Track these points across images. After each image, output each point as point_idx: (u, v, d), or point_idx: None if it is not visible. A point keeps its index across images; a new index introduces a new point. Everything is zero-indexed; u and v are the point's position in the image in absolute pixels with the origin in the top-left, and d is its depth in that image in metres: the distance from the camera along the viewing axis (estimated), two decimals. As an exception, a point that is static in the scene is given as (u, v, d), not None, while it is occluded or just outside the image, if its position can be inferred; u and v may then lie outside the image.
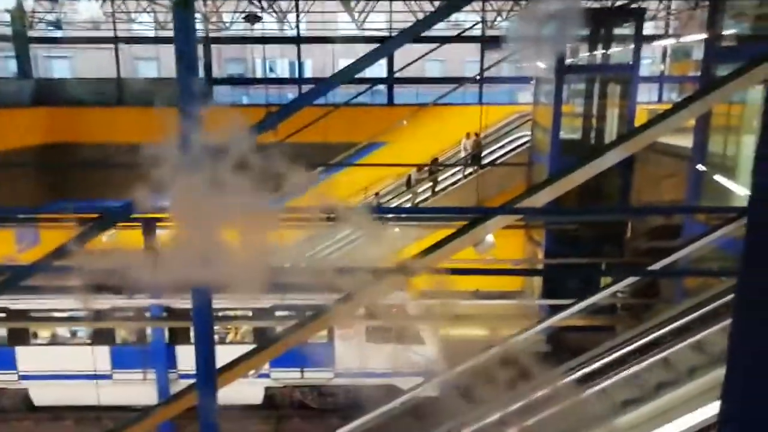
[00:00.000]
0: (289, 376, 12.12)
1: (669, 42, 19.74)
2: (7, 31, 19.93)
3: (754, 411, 1.44)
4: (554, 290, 11.13)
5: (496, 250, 11.31)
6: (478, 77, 17.24)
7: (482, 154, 17.19)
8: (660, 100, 18.73)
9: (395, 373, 11.97)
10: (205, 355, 4.69)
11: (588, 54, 15.01)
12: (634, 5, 16.83)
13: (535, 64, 16.61)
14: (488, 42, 18.08)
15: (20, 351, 12.20)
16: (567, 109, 14.24)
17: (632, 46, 13.23)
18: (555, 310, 9.19)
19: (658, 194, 12.76)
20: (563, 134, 13.57)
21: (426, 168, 17.24)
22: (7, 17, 19.96)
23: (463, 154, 17.28)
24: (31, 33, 20.38)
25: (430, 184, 17.26)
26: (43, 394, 12.46)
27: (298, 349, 11.51)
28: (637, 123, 13.10)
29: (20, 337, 12.15)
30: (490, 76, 18.64)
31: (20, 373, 12.24)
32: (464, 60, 25.41)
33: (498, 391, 8.23)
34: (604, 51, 14.48)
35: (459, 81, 18.10)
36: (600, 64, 14.53)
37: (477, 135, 17.22)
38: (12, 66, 20.53)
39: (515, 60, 20.46)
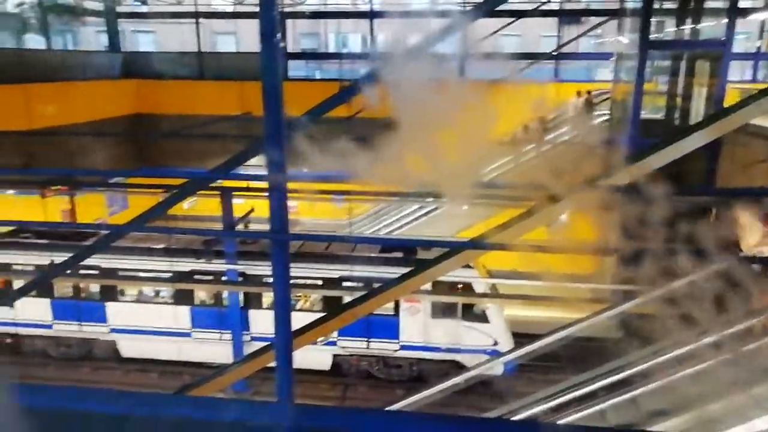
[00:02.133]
0: (356, 345, 12.52)
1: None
2: (99, 6, 21.14)
3: None
4: (629, 275, 10.79)
5: (569, 232, 11.07)
6: (553, 53, 16.62)
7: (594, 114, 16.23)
8: (754, 80, 17.41)
9: (459, 349, 12.12)
10: (284, 318, 4.90)
11: (675, 28, 14.15)
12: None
13: (617, 39, 15.84)
14: (566, 16, 17.35)
15: (110, 306, 13.26)
16: (649, 87, 13.54)
17: (725, 20, 12.34)
18: (626, 295, 8.98)
19: (747, 181, 12.00)
20: (644, 113, 12.94)
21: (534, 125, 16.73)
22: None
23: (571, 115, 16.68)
24: (120, 8, 21.52)
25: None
26: (130, 347, 13.54)
27: (365, 320, 11.87)
28: (727, 104, 12.30)
29: (110, 293, 13.20)
30: (568, 51, 17.93)
31: (110, 327, 13.33)
32: (541, 35, 24.54)
33: (560, 375, 8.21)
34: (693, 25, 13.61)
35: (533, 57, 17.56)
36: (688, 40, 13.67)
37: (589, 93, 16.31)
38: (103, 40, 21.79)
39: (595, 35, 19.57)
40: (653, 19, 13.17)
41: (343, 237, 12.27)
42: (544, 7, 17.96)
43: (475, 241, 5.75)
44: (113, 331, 13.33)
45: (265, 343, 7.34)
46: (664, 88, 14.10)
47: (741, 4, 14.33)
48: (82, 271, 12.29)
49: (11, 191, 15.80)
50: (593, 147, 15.78)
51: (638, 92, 12.78)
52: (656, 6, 13.37)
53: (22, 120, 14.33)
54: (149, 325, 13.10)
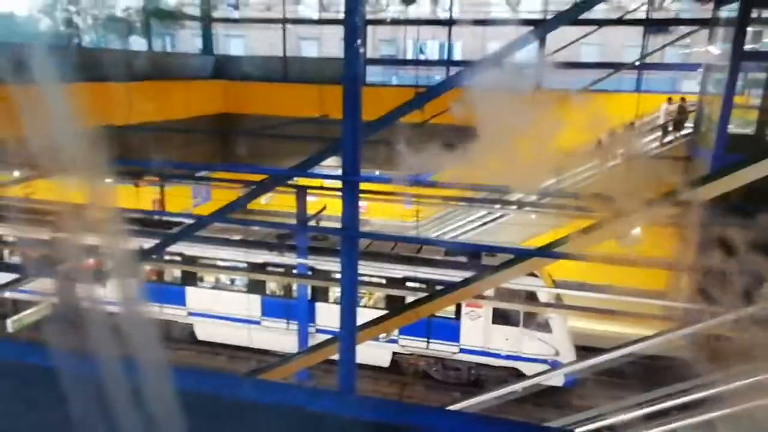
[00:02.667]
0: (416, 344, 12.69)
1: None
2: (196, 12, 22.70)
3: None
4: (704, 294, 10.31)
5: (641, 246, 10.74)
6: (636, 62, 16.07)
7: (686, 122, 15.89)
8: None
9: (519, 356, 12.01)
10: (349, 312, 5.09)
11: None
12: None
13: (706, 49, 15.09)
14: (652, 25, 16.71)
15: (189, 291, 14.18)
16: (740, 101, 12.83)
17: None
18: (701, 314, 8.60)
19: None
20: (733, 128, 12.29)
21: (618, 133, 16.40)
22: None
23: (662, 121, 16.30)
24: (215, 14, 23.00)
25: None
26: (205, 330, 14.42)
27: (427, 321, 12.04)
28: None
29: (190, 279, 14.12)
30: (652, 62, 17.27)
31: (188, 310, 14.25)
32: (624, 44, 23.72)
33: (624, 391, 8.00)
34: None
35: (614, 66, 17.05)
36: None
37: (683, 100, 15.88)
38: (198, 43, 23.35)
39: (683, 45, 18.63)
40: (748, 29, 12.48)
41: (411, 238, 12.49)
42: (630, 16, 17.43)
43: (540, 250, 5.77)
44: (191, 314, 14.23)
45: (329, 336, 7.67)
46: (756, 101, 13.29)
47: None
48: (166, 257, 13.25)
49: (108, 180, 17.22)
50: (673, 161, 15.20)
51: (727, 105, 12.18)
52: (753, 15, 12.64)
53: (122, 115, 15.64)
54: (223, 311, 13.89)
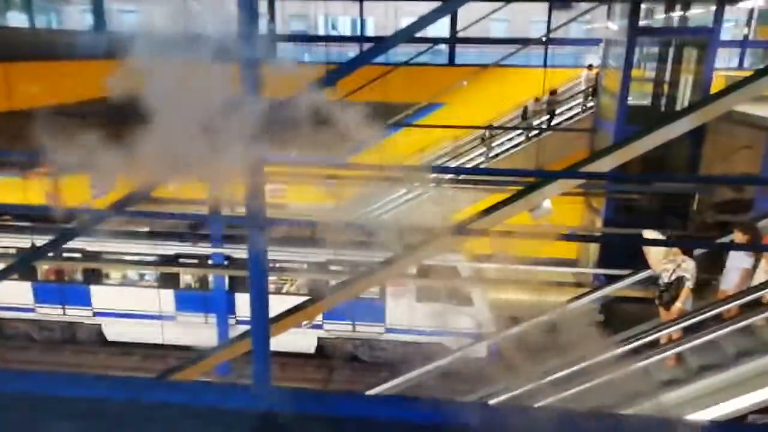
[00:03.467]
0: (341, 328, 12.58)
1: (756, 3, 18.25)
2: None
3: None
4: (611, 260, 10.92)
5: (552, 217, 11.17)
6: (543, 38, 16.59)
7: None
8: (741, 67, 17.49)
9: (444, 332, 12.21)
10: (260, 303, 4.74)
11: (664, 15, 14.15)
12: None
13: (605, 25, 15.82)
14: (556, 1, 17.28)
15: (95, 289, 13.18)
16: (637, 74, 13.58)
17: (713, 7, 12.37)
18: (611, 280, 9.07)
19: (730, 167, 12.12)
20: (631, 100, 12.99)
21: (544, 100, 16.87)
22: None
23: (583, 87, 16.80)
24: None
25: (548, 116, 16.87)
26: (114, 330, 13.49)
27: (351, 304, 11.91)
28: (714, 90, 12.37)
29: (95, 277, 13.12)
30: (557, 37, 17.89)
31: (94, 310, 13.26)
32: (530, 20, 24.45)
33: (542, 357, 8.26)
34: (682, 12, 13.62)
35: (523, 42, 17.49)
36: (676, 27, 13.69)
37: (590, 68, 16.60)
38: (88, 19, 21.41)
39: (584, 21, 19.46)
40: (643, 5, 13.16)
41: (320, 222, 12.18)
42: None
43: (458, 227, 5.69)
44: (97, 314, 13.26)
45: (248, 328, 7.32)
46: (651, 74, 14.14)
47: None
48: (65, 255, 12.19)
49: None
50: (580, 134, 15.86)
51: (626, 78, 12.83)
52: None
53: (2, 100, 14.06)
54: (133, 308, 13.05)
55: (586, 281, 12.76)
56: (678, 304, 6.46)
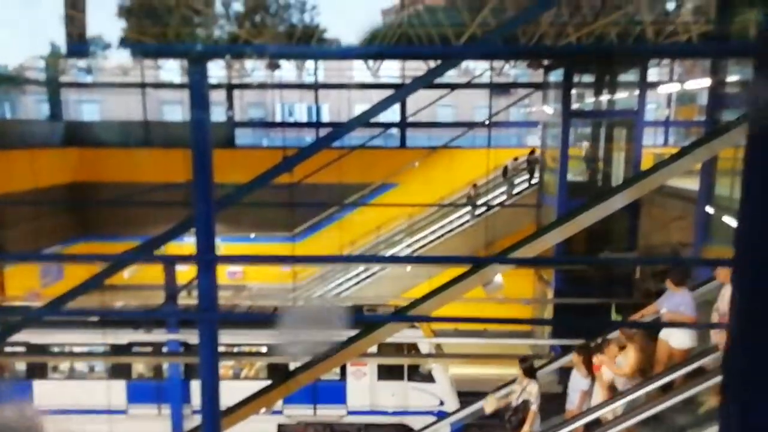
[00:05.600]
0: (302, 412, 12.19)
1: (674, 87, 20.29)
2: (41, 76, 21.05)
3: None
4: (564, 330, 11.25)
5: (505, 290, 11.52)
6: (486, 121, 17.81)
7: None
8: (666, 144, 19.13)
9: (407, 411, 12.02)
10: (211, 394, 4.44)
11: (594, 99, 15.51)
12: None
13: (542, 108, 17.15)
14: (497, 88, 18.73)
15: (37, 385, 12.43)
16: (573, 152, 14.64)
17: (637, 91, 13.72)
18: (566, 350, 9.31)
19: (666, 236, 12.96)
20: (571, 176, 13.93)
21: (522, 159, 17.56)
22: (42, 63, 21.14)
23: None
24: (63, 78, 21.49)
25: (527, 176, 17.53)
26: (57, 429, 12.61)
27: (311, 386, 11.66)
28: (644, 166, 13.45)
29: (38, 370, 12.42)
30: (499, 120, 19.22)
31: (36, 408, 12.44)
32: (474, 105, 26.18)
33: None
34: (609, 96, 14.98)
35: (468, 125, 18.70)
36: (605, 110, 15.01)
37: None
38: (45, 109, 21.56)
39: (524, 105, 20.99)
40: (573, 91, 14.46)
41: (270, 316, 12.05)
42: (476, 81, 19.37)
43: (415, 305, 5.79)
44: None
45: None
46: (587, 152, 15.27)
47: (650, 79, 15.99)
48: (7, 348, 11.57)
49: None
50: (526, 209, 16.62)
51: (564, 156, 13.84)
52: (576, 80, 14.68)
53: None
54: (81, 403, 12.32)
55: (543, 352, 12.99)
56: (526, 428, 6.64)
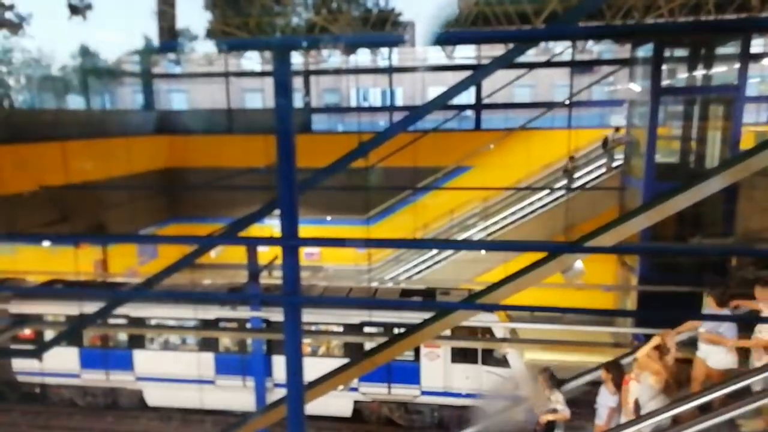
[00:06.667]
0: (377, 391, 12.47)
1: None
2: (136, 68, 22.55)
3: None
4: (649, 319, 10.70)
5: (585, 277, 11.12)
6: (566, 101, 17.09)
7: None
8: (771, 121, 17.53)
9: (480, 394, 11.98)
10: (295, 370, 4.69)
11: (688, 74, 14.45)
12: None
13: (628, 86, 16.20)
14: (578, 66, 17.89)
15: (137, 354, 13.53)
16: (663, 132, 13.74)
17: (738, 64, 12.62)
18: (649, 338, 8.88)
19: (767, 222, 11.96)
20: (659, 157, 13.11)
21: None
22: (136, 57, 22.62)
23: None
24: (155, 70, 22.91)
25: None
26: (155, 395, 13.71)
27: (386, 365, 11.89)
28: (743, 146, 12.40)
29: (137, 341, 13.50)
30: (580, 99, 18.37)
31: (137, 375, 13.56)
32: (554, 84, 25.17)
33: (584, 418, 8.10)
34: (706, 70, 13.88)
35: (546, 105, 18.02)
36: (700, 86, 13.93)
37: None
38: (140, 99, 23.10)
39: (608, 83, 19.91)
40: (665, 66, 13.50)
41: (351, 301, 12.34)
42: (556, 59, 18.58)
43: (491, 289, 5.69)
44: (139, 379, 13.54)
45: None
46: (678, 132, 14.28)
47: (753, 50, 14.64)
48: (110, 321, 12.65)
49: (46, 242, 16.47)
50: (610, 192, 15.84)
51: (652, 137, 13.02)
52: (667, 54, 13.71)
53: (59, 175, 15.17)
54: (174, 372, 13.27)
55: (625, 341, 12.46)
56: None
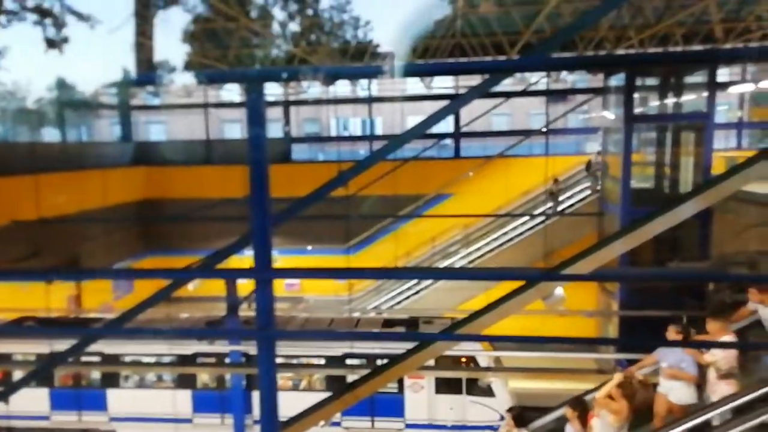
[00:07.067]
0: (361, 425, 12.18)
1: (748, 87, 19.13)
2: (113, 100, 22.42)
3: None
4: (630, 344, 10.71)
5: (566, 303, 11.11)
6: (543, 129, 17.41)
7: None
8: (739, 147, 18.04)
9: (466, 426, 11.78)
10: (269, 407, 4.41)
11: (660, 101, 14.84)
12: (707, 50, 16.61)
13: (602, 114, 16.59)
14: (553, 95, 18.31)
15: (111, 393, 13.04)
16: (637, 158, 14.03)
17: (706, 92, 13.02)
18: (631, 364, 8.86)
19: (742, 244, 12.15)
20: (635, 183, 13.35)
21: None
22: (113, 89, 22.51)
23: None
24: (133, 102, 22.80)
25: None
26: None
27: (369, 399, 11.64)
28: (715, 171, 12.70)
29: (111, 379, 13.03)
30: (556, 127, 18.75)
31: (110, 416, 13.05)
32: (530, 112, 25.71)
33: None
34: (676, 98, 14.28)
35: (524, 133, 18.35)
36: (671, 113, 14.31)
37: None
38: (117, 131, 22.90)
39: (582, 111, 20.38)
40: (637, 95, 13.87)
41: (328, 334, 12.14)
42: (532, 88, 19.01)
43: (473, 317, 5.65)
44: (113, 419, 13.04)
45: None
46: (652, 158, 14.59)
47: (721, 79, 15.15)
48: (83, 359, 12.22)
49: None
50: (588, 218, 16.01)
51: (627, 163, 13.27)
52: (638, 83, 14.11)
53: (32, 209, 14.82)
54: (150, 411, 12.82)
55: (607, 366, 12.42)
56: None
